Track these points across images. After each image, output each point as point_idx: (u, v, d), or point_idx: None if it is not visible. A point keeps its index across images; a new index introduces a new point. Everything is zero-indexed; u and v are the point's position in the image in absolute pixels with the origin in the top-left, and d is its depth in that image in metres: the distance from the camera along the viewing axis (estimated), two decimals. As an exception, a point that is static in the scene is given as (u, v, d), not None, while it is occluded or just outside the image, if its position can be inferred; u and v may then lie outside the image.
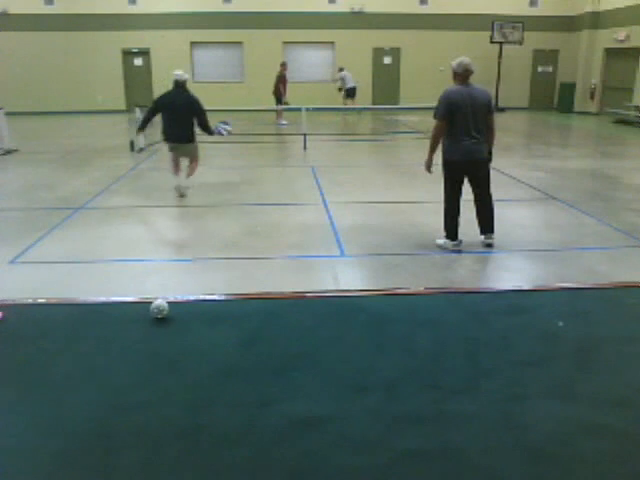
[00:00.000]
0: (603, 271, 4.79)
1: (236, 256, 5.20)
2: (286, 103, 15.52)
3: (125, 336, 3.64)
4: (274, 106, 15.63)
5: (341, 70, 17.88)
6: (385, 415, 2.82)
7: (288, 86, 15.82)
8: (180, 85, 7.16)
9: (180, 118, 7.02)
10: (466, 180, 5.20)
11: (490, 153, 5.21)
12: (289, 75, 16.31)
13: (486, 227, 5.33)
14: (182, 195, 7.25)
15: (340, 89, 17.91)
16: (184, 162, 7.53)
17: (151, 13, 19.41)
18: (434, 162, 5.20)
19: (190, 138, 7.20)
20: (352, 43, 20.06)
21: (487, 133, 5.12)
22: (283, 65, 15.91)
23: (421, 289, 4.39)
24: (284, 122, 15.50)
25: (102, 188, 7.92)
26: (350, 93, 17.59)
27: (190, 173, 7.49)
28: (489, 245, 5.32)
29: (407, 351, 3.44)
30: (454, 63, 5.00)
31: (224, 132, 8.27)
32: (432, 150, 5.11)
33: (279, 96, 15.59)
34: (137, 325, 3.76)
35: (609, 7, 18.76)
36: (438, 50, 19.76)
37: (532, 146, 12.78)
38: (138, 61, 20.27)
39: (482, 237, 5.37)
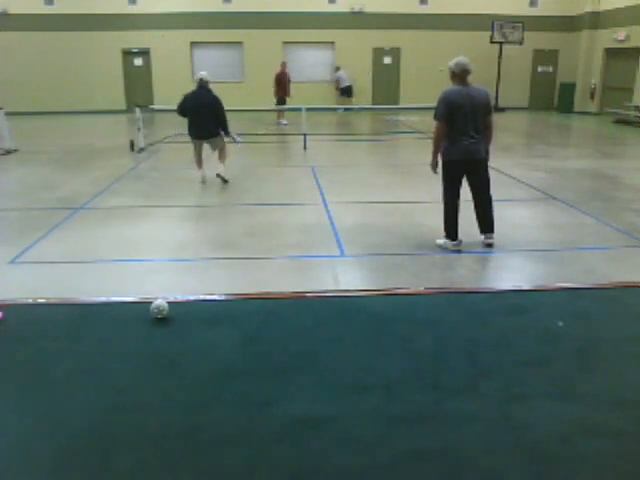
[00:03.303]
0: (603, 271, 4.79)
1: (236, 256, 5.20)
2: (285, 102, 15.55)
3: (125, 336, 3.64)
4: (273, 106, 15.61)
5: (338, 69, 18.50)
6: (385, 415, 2.82)
7: (283, 86, 15.78)
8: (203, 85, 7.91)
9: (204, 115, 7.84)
10: (465, 180, 5.20)
11: (487, 152, 5.21)
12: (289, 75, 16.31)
13: (486, 227, 5.33)
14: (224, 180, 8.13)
15: (337, 88, 18.72)
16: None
17: (151, 13, 19.43)
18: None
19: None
20: (352, 43, 20.06)
21: (485, 132, 5.12)
22: (284, 64, 15.91)
23: (421, 289, 4.39)
24: (285, 122, 15.50)
25: (102, 188, 7.92)
26: (345, 92, 18.16)
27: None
28: (489, 245, 5.32)
29: (407, 351, 3.44)
30: (451, 63, 4.98)
31: (238, 140, 8.57)
32: (436, 152, 5.11)
33: (284, 96, 15.54)
34: (137, 325, 3.76)
35: (609, 7, 18.77)
36: (438, 50, 19.75)
37: (532, 146, 12.78)
38: (138, 61, 20.28)
39: (482, 237, 5.37)
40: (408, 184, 8.26)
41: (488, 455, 2.53)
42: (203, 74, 7.95)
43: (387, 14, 19.93)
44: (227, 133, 8.10)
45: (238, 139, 8.50)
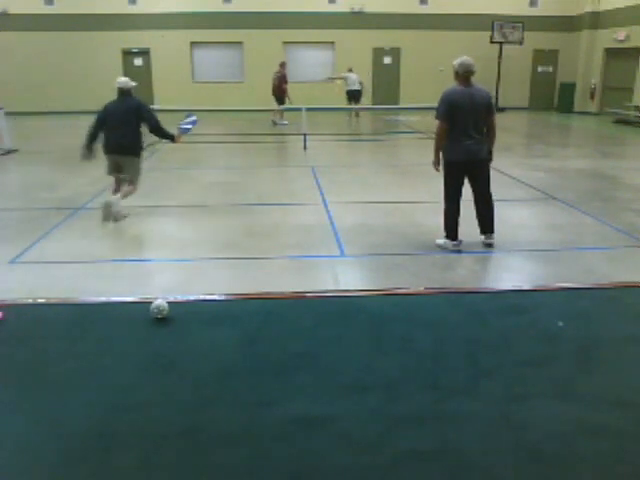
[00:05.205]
0: (603, 271, 4.79)
1: (236, 256, 5.19)
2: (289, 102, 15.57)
3: (125, 336, 3.64)
4: (274, 106, 15.61)
5: (349, 71, 16.98)
6: (385, 415, 2.82)
7: (288, 86, 15.82)
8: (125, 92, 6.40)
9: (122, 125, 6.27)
10: (466, 180, 5.20)
11: (490, 153, 5.22)
12: (289, 75, 16.31)
13: (486, 227, 5.33)
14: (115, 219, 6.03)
15: (332, 78, 17.53)
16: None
17: (151, 13, 19.43)
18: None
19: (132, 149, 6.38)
20: (352, 43, 20.06)
21: (488, 133, 5.12)
22: (283, 65, 15.93)
23: (421, 289, 4.39)
24: (285, 122, 15.51)
25: (102, 188, 7.90)
26: (351, 96, 16.63)
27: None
28: (489, 245, 5.32)
29: (407, 351, 3.44)
30: (455, 63, 4.98)
31: (190, 126, 6.89)
32: (437, 150, 5.13)
33: (282, 96, 15.55)
34: (137, 325, 3.76)
35: (609, 7, 18.77)
36: (438, 50, 19.76)
37: (532, 146, 12.78)
38: (138, 61, 20.27)
39: (482, 237, 5.37)
40: (408, 184, 8.26)
41: (488, 455, 2.53)
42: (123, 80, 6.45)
43: (387, 14, 19.93)
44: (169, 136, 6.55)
45: (186, 126, 6.90)
